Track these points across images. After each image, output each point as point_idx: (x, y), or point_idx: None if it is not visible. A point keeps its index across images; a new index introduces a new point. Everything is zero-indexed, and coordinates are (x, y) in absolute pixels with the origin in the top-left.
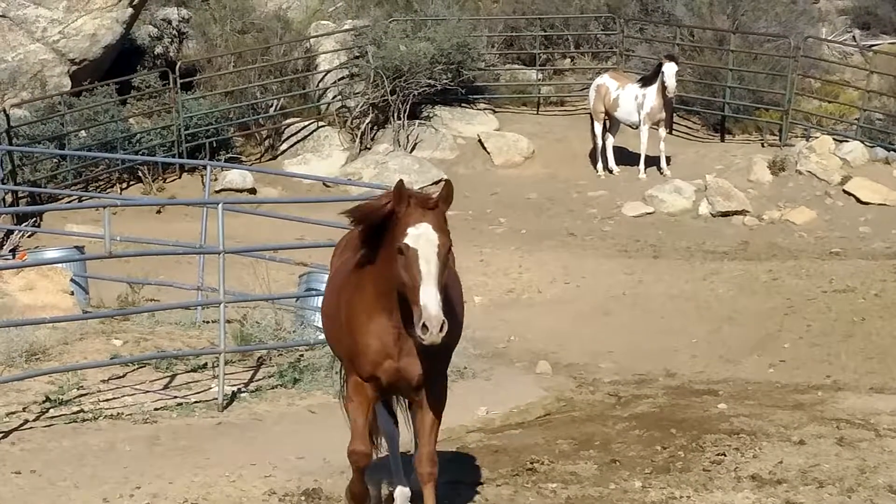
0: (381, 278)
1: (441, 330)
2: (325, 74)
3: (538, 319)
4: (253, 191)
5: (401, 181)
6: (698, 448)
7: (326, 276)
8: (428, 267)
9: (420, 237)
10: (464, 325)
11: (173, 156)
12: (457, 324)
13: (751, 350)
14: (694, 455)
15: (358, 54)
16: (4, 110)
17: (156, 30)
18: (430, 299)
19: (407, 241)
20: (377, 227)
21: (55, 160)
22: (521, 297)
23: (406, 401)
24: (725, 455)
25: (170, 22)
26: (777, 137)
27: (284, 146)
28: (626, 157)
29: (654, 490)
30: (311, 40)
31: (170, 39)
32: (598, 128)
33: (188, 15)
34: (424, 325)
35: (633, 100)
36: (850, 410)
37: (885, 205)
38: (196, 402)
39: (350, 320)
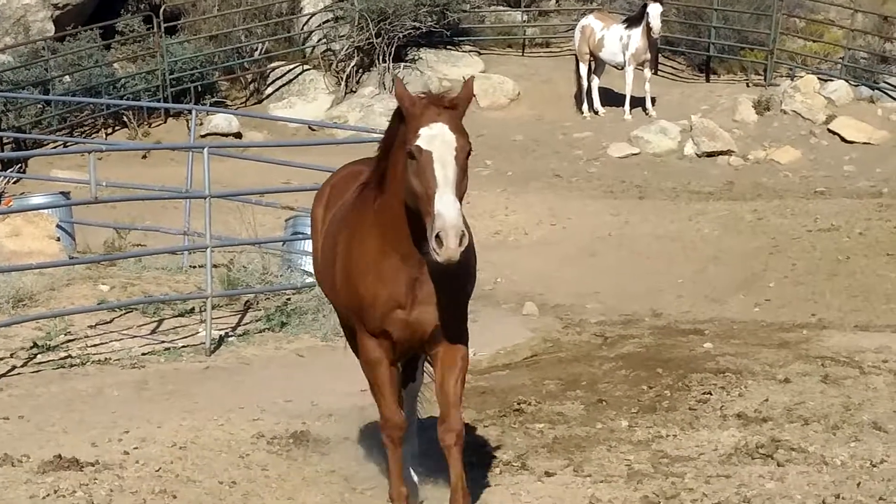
0: (389, 210)
1: (461, 243)
2: (310, 17)
3: (524, 261)
4: (238, 135)
5: (399, 83)
6: (684, 387)
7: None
8: (444, 171)
9: (435, 138)
10: None
11: (158, 100)
12: (472, 265)
13: (736, 289)
14: (680, 394)
15: None
16: None
17: None
18: (446, 206)
19: (419, 142)
20: (391, 146)
21: (40, 106)
22: (508, 238)
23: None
24: (711, 394)
25: None
26: (762, 77)
27: (270, 90)
28: (612, 98)
29: (641, 429)
30: None
31: None
32: (584, 69)
33: None
34: (439, 238)
35: (618, 40)
36: (834, 348)
37: (869, 143)
38: (183, 346)
39: (351, 264)
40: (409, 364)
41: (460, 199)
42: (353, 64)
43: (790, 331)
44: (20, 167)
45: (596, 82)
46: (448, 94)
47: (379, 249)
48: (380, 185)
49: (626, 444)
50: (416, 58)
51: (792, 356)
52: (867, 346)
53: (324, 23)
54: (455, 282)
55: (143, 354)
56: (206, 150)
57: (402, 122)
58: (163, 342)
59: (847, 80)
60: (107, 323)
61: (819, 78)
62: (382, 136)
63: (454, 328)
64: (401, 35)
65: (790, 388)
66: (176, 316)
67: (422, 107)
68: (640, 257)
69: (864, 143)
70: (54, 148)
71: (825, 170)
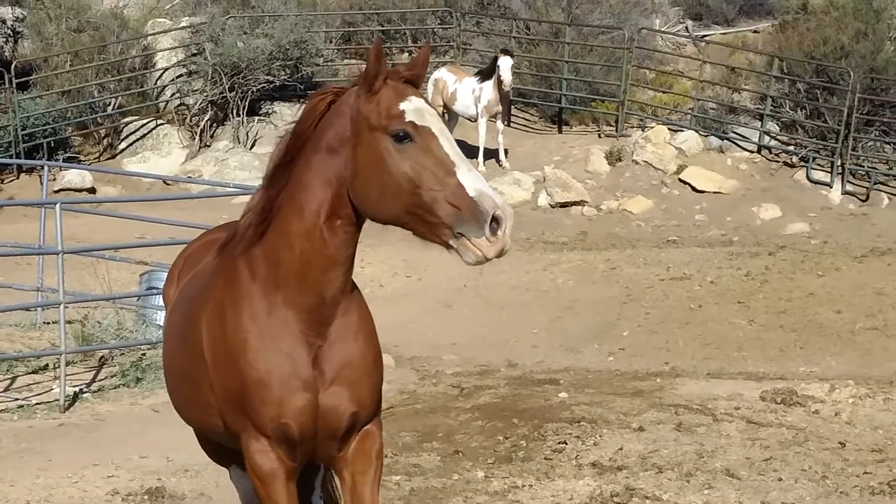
0: (287, 243)
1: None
2: (163, 72)
3: (381, 313)
4: (93, 190)
5: (379, 39)
6: (540, 437)
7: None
8: (452, 147)
9: (423, 112)
10: None
11: (10, 156)
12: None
13: (590, 339)
14: (536, 444)
15: (196, 52)
16: None
17: None
18: (482, 184)
19: (410, 118)
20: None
21: None
22: (364, 291)
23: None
24: (566, 443)
25: (4, 21)
26: (613, 128)
27: (123, 145)
28: (466, 150)
29: (497, 480)
30: (149, 38)
31: (4, 39)
32: None
33: (23, 14)
34: (495, 220)
35: (470, 93)
36: (687, 396)
37: (719, 192)
38: (37, 403)
39: (226, 336)
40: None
41: None
42: (206, 118)
43: (644, 379)
44: None
45: None
46: (401, 69)
47: (266, 309)
48: (263, 221)
49: (482, 495)
50: (271, 111)
51: (646, 404)
52: (720, 394)
53: (177, 77)
54: (369, 342)
55: None
56: (58, 205)
57: (323, 114)
58: (16, 399)
59: (697, 131)
60: None
61: (669, 128)
62: (276, 152)
63: (373, 413)
64: (254, 89)
65: (644, 436)
66: (30, 373)
67: (391, 79)
68: (496, 308)
69: (715, 193)
70: None
71: (677, 219)
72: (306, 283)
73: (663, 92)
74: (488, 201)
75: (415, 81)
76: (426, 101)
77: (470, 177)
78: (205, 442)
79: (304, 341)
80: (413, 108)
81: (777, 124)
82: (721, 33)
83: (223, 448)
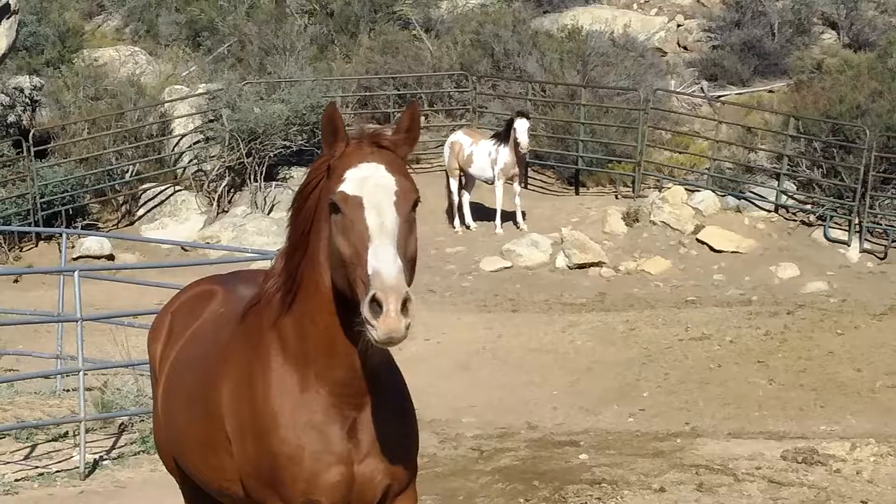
0: (312, 319)
1: (405, 311)
2: (181, 139)
3: None
4: (111, 257)
5: (332, 104)
6: (561, 499)
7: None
8: (380, 219)
9: (366, 181)
10: None
11: (29, 224)
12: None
13: (610, 400)
14: None
15: (213, 118)
16: None
17: (8, 98)
18: (383, 260)
19: (343, 188)
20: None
21: None
22: None
23: None
24: None
25: (22, 90)
26: (630, 189)
27: (142, 211)
28: (483, 213)
29: None
30: (166, 105)
31: (22, 107)
32: (454, 184)
33: (41, 83)
34: (375, 301)
35: (486, 156)
36: (708, 456)
37: (737, 252)
38: (58, 471)
39: (255, 412)
40: None
41: (406, 263)
42: (224, 184)
43: (664, 440)
44: None
45: (466, 197)
46: (384, 132)
47: (298, 384)
48: (289, 293)
49: None
50: (288, 176)
51: (667, 465)
52: (741, 454)
53: (194, 144)
54: (405, 411)
55: (17, 480)
56: (76, 272)
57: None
58: (36, 467)
59: (713, 191)
60: None
61: (686, 189)
62: (291, 217)
63: (408, 484)
64: (272, 154)
65: (665, 497)
66: (49, 440)
67: (349, 145)
68: (515, 370)
69: (733, 252)
70: None
71: (695, 279)
72: (336, 358)
73: (679, 152)
74: (376, 281)
75: (395, 147)
76: (389, 167)
77: (376, 253)
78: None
79: (338, 414)
80: (357, 176)
81: (794, 183)
82: (736, 93)
83: None
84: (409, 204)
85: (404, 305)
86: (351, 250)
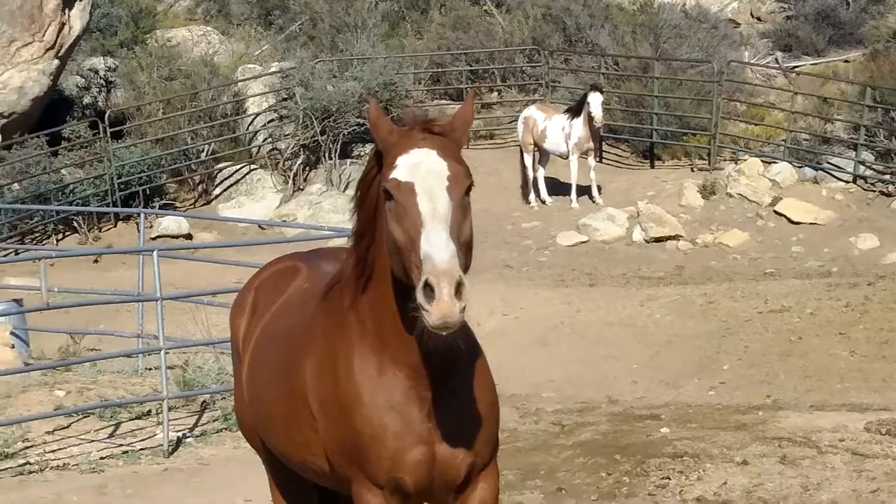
0: (383, 305)
1: (459, 295)
2: (255, 117)
3: None
4: (189, 236)
5: (373, 103)
6: (643, 473)
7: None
8: (432, 205)
9: (418, 167)
10: None
11: (107, 204)
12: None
13: (690, 373)
14: (639, 480)
15: (286, 96)
16: None
17: (83, 80)
18: (436, 245)
19: (396, 174)
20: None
21: None
22: None
23: None
24: (670, 478)
25: (97, 72)
26: (706, 161)
27: (218, 190)
28: (558, 188)
29: None
30: (239, 84)
31: (98, 89)
32: (528, 159)
33: (115, 64)
34: (428, 286)
35: (560, 130)
36: (791, 429)
37: (816, 224)
38: (141, 449)
39: (338, 391)
40: None
41: (460, 248)
42: (299, 162)
43: (746, 413)
44: None
45: (541, 172)
46: (439, 118)
47: (377, 365)
48: (361, 276)
49: None
50: (362, 153)
51: (749, 438)
52: (823, 426)
53: (268, 122)
54: (485, 389)
55: (102, 458)
56: (155, 252)
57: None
58: (120, 445)
59: (790, 162)
60: (64, 428)
61: (762, 160)
62: (355, 206)
63: (490, 462)
64: (346, 132)
65: (748, 470)
66: (133, 419)
67: (400, 134)
68: (594, 344)
69: (811, 224)
70: (5, 256)
71: (773, 251)
72: (407, 342)
73: (755, 124)
74: (428, 265)
75: (449, 133)
76: (441, 153)
77: (429, 238)
78: (276, 493)
79: (416, 396)
80: (408, 162)
81: (872, 153)
82: (811, 64)
83: (296, 501)
84: (461, 189)
85: (458, 290)
86: (405, 237)
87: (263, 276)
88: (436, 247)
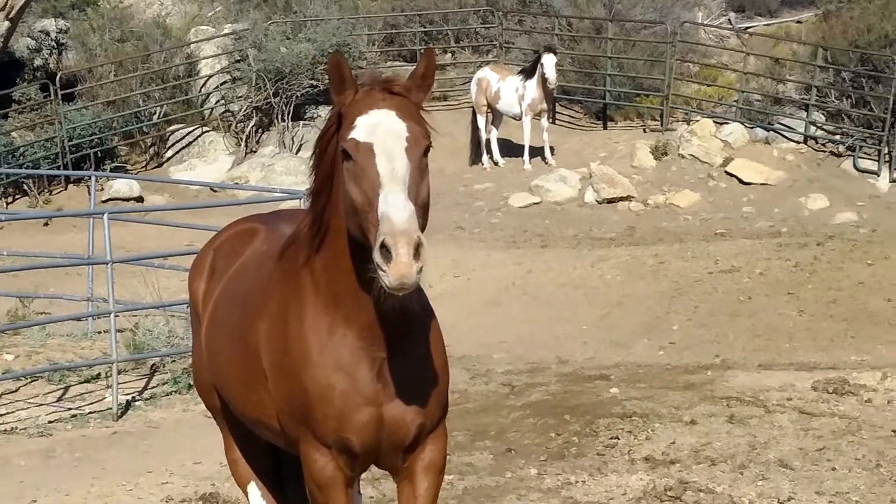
0: (337, 263)
1: (416, 255)
2: (207, 79)
3: None
4: (140, 199)
5: (337, 52)
6: (592, 433)
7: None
8: (391, 165)
9: (377, 126)
10: None
11: (58, 167)
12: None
13: (640, 334)
14: (588, 440)
15: (239, 58)
16: None
17: (34, 42)
18: (393, 205)
19: (355, 134)
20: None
21: None
22: None
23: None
24: (619, 438)
25: (48, 33)
26: (658, 123)
27: (170, 153)
28: (511, 149)
29: (550, 476)
30: (192, 46)
31: (49, 51)
32: (482, 121)
33: (66, 26)
34: (385, 249)
35: (514, 92)
36: (739, 388)
37: (767, 184)
38: (90, 412)
39: (288, 349)
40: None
41: (418, 209)
42: (252, 124)
43: (695, 372)
44: None
45: (494, 134)
46: (398, 78)
47: (327, 325)
48: (317, 235)
49: (535, 493)
50: (315, 115)
51: (697, 398)
52: (771, 385)
53: (221, 84)
54: (434, 351)
55: (50, 422)
56: (106, 215)
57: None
58: (69, 409)
59: (742, 123)
60: (12, 392)
61: (715, 121)
62: (313, 164)
63: (438, 424)
64: (299, 94)
65: (697, 429)
66: (82, 382)
67: (360, 93)
68: (545, 305)
69: (762, 185)
70: None
71: (724, 212)
72: (361, 301)
73: (707, 85)
74: (385, 225)
75: (408, 93)
76: (401, 113)
77: (386, 199)
78: (233, 450)
79: (365, 356)
80: (367, 122)
81: (823, 114)
82: (764, 24)
83: (252, 459)
84: (420, 150)
85: (416, 251)
86: (362, 197)
87: (222, 238)
88: (394, 207)
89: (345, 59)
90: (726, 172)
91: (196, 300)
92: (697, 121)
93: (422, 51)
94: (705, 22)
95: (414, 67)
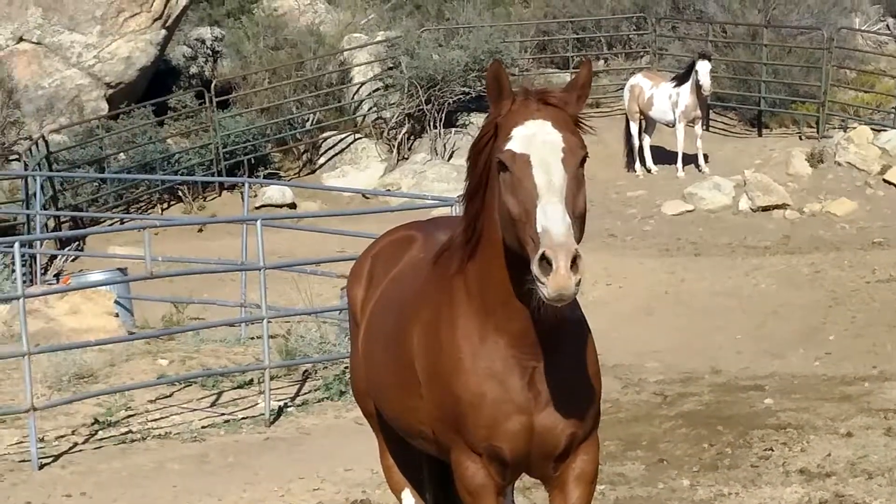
0: (490, 272)
1: (574, 268)
2: (360, 87)
3: None
4: (293, 205)
5: (497, 62)
6: (746, 444)
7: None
8: (548, 177)
9: (533, 138)
10: None
11: (212, 174)
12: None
13: (796, 344)
14: (741, 451)
15: (391, 65)
16: (43, 136)
17: (190, 50)
18: (552, 218)
19: (511, 146)
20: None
21: (95, 184)
22: None
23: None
24: (773, 450)
25: (203, 41)
26: (814, 130)
27: (322, 160)
28: (664, 156)
29: (703, 488)
30: (345, 53)
31: (204, 59)
32: (634, 128)
33: (221, 34)
34: (544, 261)
35: (667, 98)
36: None
37: None
38: (243, 418)
39: (441, 356)
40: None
41: (575, 221)
42: (404, 131)
43: (851, 384)
44: (78, 245)
45: (647, 141)
46: (554, 89)
47: (479, 332)
48: (469, 241)
49: None
50: (467, 122)
51: (854, 409)
52: None
53: (374, 91)
54: (587, 359)
55: (203, 427)
56: (259, 221)
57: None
58: (222, 414)
59: None
60: (167, 397)
61: (872, 128)
62: (467, 171)
63: (590, 433)
64: (451, 101)
65: (853, 441)
66: (235, 388)
67: (515, 104)
68: (698, 314)
69: None
70: (111, 225)
71: (882, 220)
72: (513, 311)
73: (865, 91)
74: (545, 239)
75: (564, 105)
76: (556, 124)
77: (545, 211)
78: (387, 457)
79: (517, 364)
80: (523, 133)
81: None
82: None
83: (406, 467)
84: (576, 160)
85: (574, 263)
86: (520, 209)
87: (380, 245)
88: (552, 220)
89: (503, 69)
90: (884, 180)
91: (354, 306)
92: (854, 128)
93: (574, 58)
94: (863, 28)
95: (572, 78)
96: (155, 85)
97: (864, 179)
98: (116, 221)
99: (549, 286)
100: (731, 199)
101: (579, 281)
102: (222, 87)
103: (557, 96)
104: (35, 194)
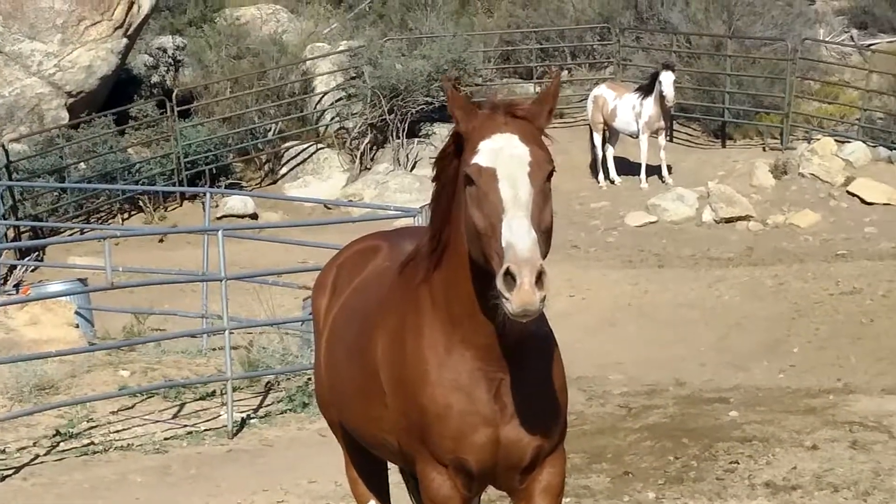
0: (456, 283)
1: (539, 284)
2: (323, 96)
3: None
4: (254, 216)
5: (447, 82)
6: (711, 457)
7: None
8: (514, 191)
9: (500, 152)
10: None
11: (173, 184)
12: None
13: (760, 356)
14: (707, 464)
15: (354, 75)
16: (3, 145)
17: (151, 59)
18: (517, 233)
19: (478, 159)
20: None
21: (56, 193)
22: None
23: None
24: (738, 463)
25: (165, 50)
26: (778, 141)
27: (284, 170)
28: (628, 167)
29: (668, 500)
30: (307, 63)
31: (166, 68)
32: (598, 139)
33: (183, 43)
34: (509, 274)
35: (630, 109)
36: (862, 413)
37: (889, 204)
38: (206, 430)
39: (406, 366)
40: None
41: (541, 235)
42: (366, 141)
43: (816, 396)
44: (38, 255)
45: (611, 151)
46: (522, 102)
47: (445, 343)
48: (435, 251)
49: None
50: (430, 132)
51: (819, 422)
52: (895, 410)
53: (336, 101)
54: (554, 372)
55: (166, 439)
56: (220, 232)
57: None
58: (185, 426)
59: (864, 142)
60: (128, 408)
61: (836, 140)
62: (433, 180)
63: (557, 446)
64: (414, 111)
65: (818, 454)
66: (197, 399)
67: (482, 117)
68: (662, 326)
69: (884, 205)
70: (71, 235)
71: (845, 232)
72: (479, 324)
73: (829, 103)
74: (509, 253)
75: (528, 120)
76: (524, 137)
77: (510, 225)
78: (351, 468)
79: (483, 377)
80: (490, 147)
81: None
82: (888, 41)
83: (370, 478)
84: (543, 174)
85: (539, 278)
86: (485, 222)
87: (345, 255)
88: (517, 235)
89: (457, 90)
90: (848, 192)
91: (318, 315)
92: (818, 139)
93: (538, 68)
94: (827, 39)
95: (541, 90)
96: (116, 94)
97: (828, 191)
98: (77, 231)
99: (514, 302)
100: (695, 210)
101: (544, 297)
102: (184, 97)
103: (525, 109)
104: None
